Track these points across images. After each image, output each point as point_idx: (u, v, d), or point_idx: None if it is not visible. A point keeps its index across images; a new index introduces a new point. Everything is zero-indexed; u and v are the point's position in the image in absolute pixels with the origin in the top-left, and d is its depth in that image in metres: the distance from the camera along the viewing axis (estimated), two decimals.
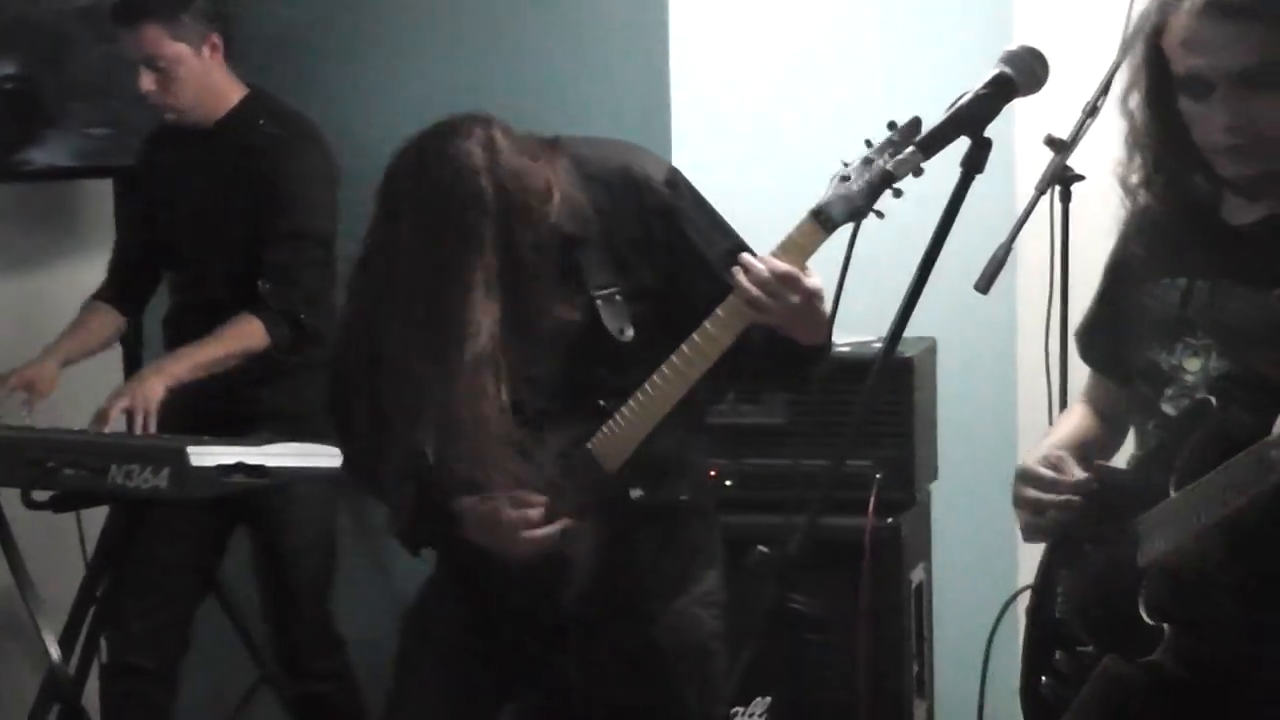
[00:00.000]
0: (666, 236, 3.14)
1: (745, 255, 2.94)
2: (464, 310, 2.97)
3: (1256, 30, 2.38)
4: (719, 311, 2.98)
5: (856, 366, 3.38)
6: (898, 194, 2.76)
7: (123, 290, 4.76)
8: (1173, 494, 2.43)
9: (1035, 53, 2.36)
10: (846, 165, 2.69)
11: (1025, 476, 2.71)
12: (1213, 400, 2.48)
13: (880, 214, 2.77)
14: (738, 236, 3.20)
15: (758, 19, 4.87)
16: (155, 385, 4.34)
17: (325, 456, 3.84)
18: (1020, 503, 2.70)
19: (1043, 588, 2.73)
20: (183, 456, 4.00)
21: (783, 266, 2.89)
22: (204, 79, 4.51)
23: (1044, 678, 2.66)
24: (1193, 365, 2.56)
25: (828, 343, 3.05)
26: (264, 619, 4.68)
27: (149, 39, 4.43)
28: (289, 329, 4.44)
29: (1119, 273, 2.76)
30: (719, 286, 3.07)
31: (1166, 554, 2.41)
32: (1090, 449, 2.79)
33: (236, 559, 4.71)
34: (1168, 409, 2.58)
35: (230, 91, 4.59)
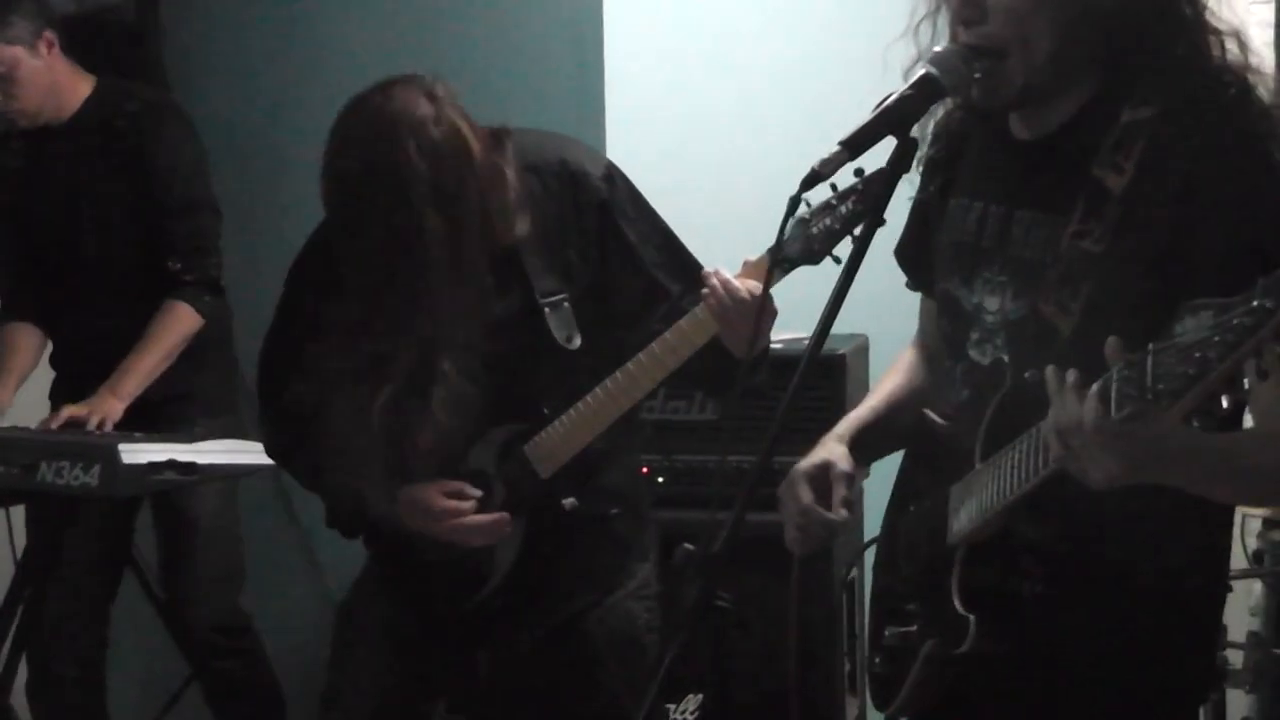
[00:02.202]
0: (600, 231, 3.15)
1: (720, 270, 2.98)
2: (421, 295, 2.97)
3: None
4: (682, 324, 3.03)
5: (788, 363, 3.38)
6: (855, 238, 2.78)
7: (26, 303, 4.72)
8: (978, 465, 2.37)
9: (963, 53, 2.35)
10: (808, 207, 2.71)
11: (789, 485, 2.66)
12: (1005, 360, 2.42)
13: (838, 259, 2.79)
14: (674, 236, 3.21)
15: (692, 17, 4.89)
16: (115, 405, 4.37)
17: (256, 453, 3.83)
18: (782, 511, 2.67)
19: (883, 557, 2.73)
20: (113, 453, 3.98)
21: (757, 286, 2.94)
22: (46, 77, 4.51)
23: (876, 658, 2.64)
24: (992, 305, 2.47)
25: (757, 353, 3.09)
26: (164, 590, 4.67)
27: None
28: (213, 297, 4.48)
29: (925, 179, 2.67)
30: (650, 284, 3.08)
31: (973, 531, 2.37)
32: (903, 413, 2.73)
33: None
34: (975, 355, 2.50)
35: (79, 85, 4.58)
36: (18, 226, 4.69)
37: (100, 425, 4.32)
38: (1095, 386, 2.08)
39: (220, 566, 4.64)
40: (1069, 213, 2.34)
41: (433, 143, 2.92)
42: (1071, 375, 2.12)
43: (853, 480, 2.66)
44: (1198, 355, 1.93)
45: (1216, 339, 1.91)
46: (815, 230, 2.71)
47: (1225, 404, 1.96)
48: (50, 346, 4.73)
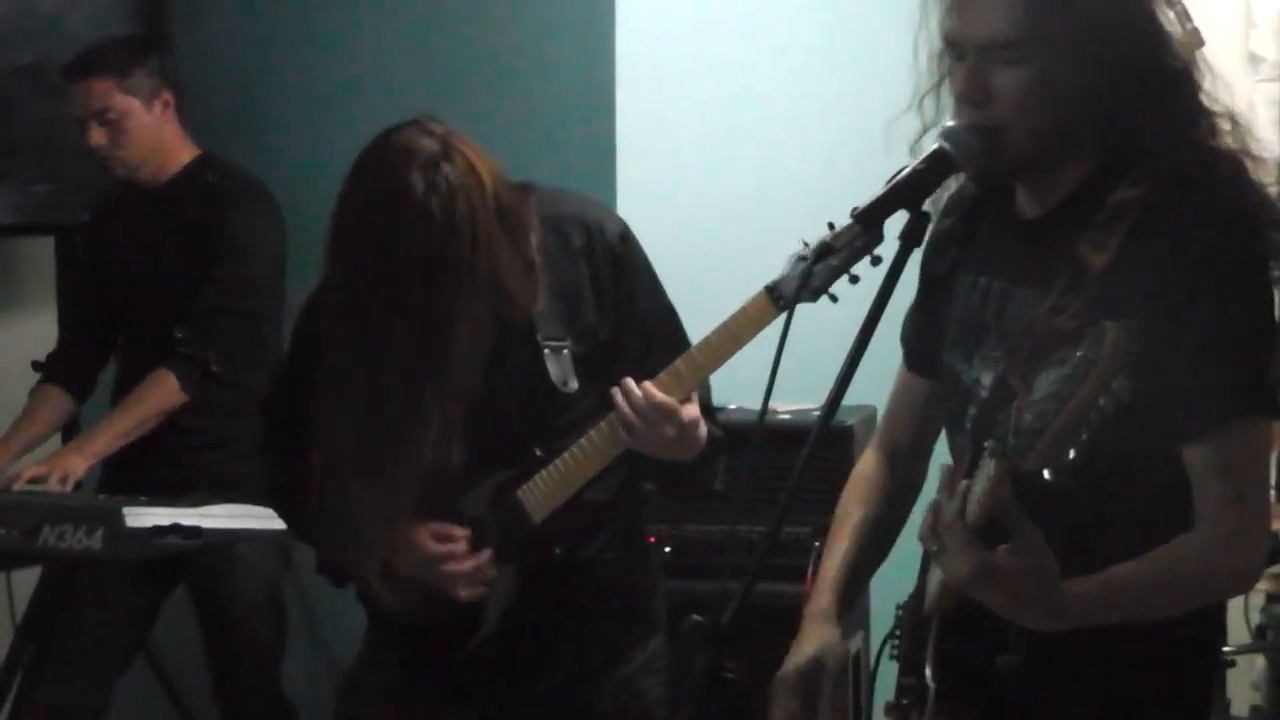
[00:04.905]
0: (613, 287, 3.16)
1: (627, 380, 2.99)
2: (443, 344, 2.96)
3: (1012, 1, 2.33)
4: (592, 433, 3.06)
5: (796, 434, 3.40)
6: (854, 280, 2.79)
7: (72, 364, 4.70)
8: None
9: (975, 129, 2.37)
10: (806, 246, 2.71)
11: (778, 689, 2.59)
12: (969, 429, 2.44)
13: (834, 298, 2.79)
14: (675, 311, 3.25)
15: (704, 64, 4.92)
16: (76, 462, 4.33)
17: (261, 518, 3.82)
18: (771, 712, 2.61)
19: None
20: (117, 517, 3.97)
21: (660, 397, 2.97)
22: (154, 134, 4.50)
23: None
24: (987, 380, 2.48)
25: (703, 456, 3.09)
26: (214, 691, 4.62)
27: (99, 92, 4.43)
28: (200, 380, 4.41)
29: (935, 254, 2.68)
30: (649, 346, 3.10)
31: (938, 600, 2.37)
32: (874, 547, 2.73)
33: (168, 621, 4.66)
34: (971, 428, 2.50)
35: (181, 151, 4.57)
36: (91, 286, 4.70)
37: (62, 482, 4.27)
38: (964, 484, 2.16)
39: (263, 640, 4.60)
40: (1050, 289, 2.35)
41: (445, 178, 2.92)
42: (944, 470, 2.20)
43: (845, 674, 2.62)
44: (1041, 410, 2.00)
45: (1055, 392, 1.99)
46: (815, 269, 2.72)
47: (1070, 455, 2.00)
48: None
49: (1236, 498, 2.29)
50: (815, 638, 2.64)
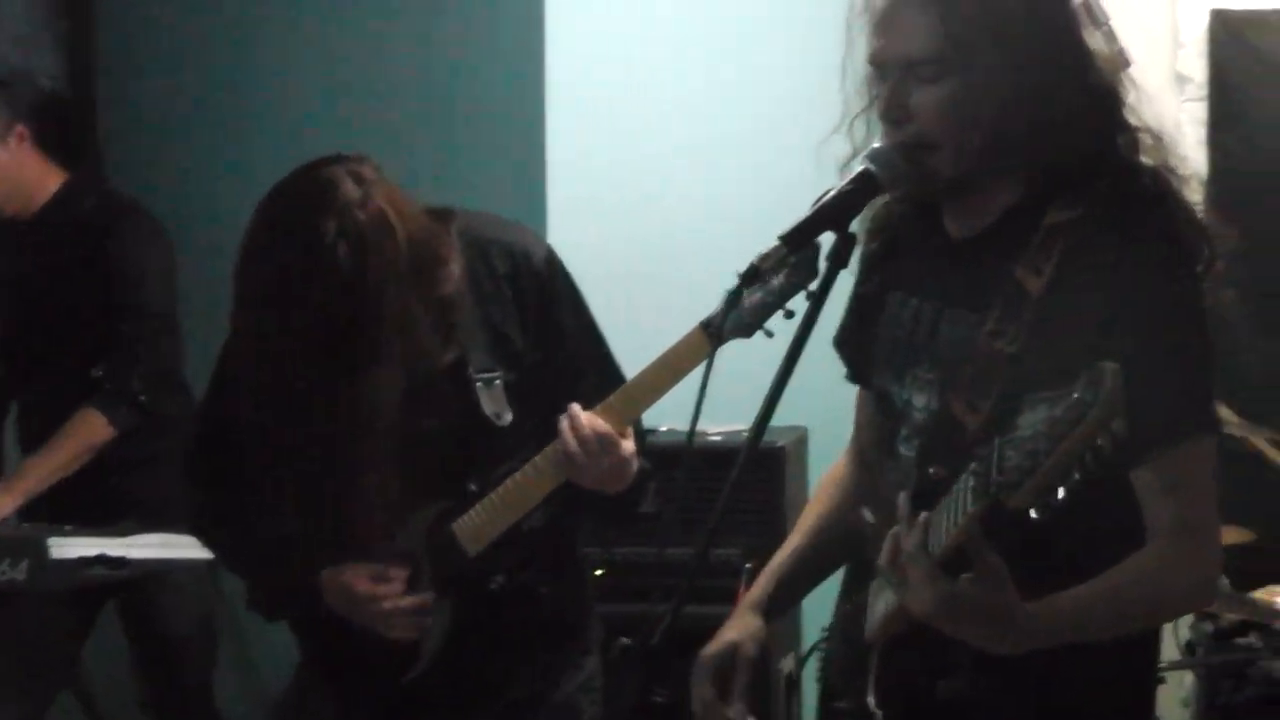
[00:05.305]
0: (540, 313, 3.14)
1: (574, 406, 2.98)
2: (358, 378, 2.93)
3: (931, 17, 2.34)
4: (529, 466, 3.03)
5: (727, 455, 3.39)
6: (789, 315, 2.79)
7: None
8: None
9: (900, 150, 2.38)
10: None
11: (695, 672, 2.62)
12: (912, 456, 2.44)
13: (770, 333, 2.79)
14: (603, 337, 3.24)
15: (634, 87, 4.93)
16: (5, 501, 4.28)
17: (190, 547, 3.79)
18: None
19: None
20: (41, 548, 3.94)
21: (604, 427, 2.95)
22: (14, 170, 4.43)
23: None
24: (919, 402, 2.48)
25: (635, 489, 3.09)
26: (143, 712, 4.59)
27: None
28: (129, 411, 4.38)
29: (865, 274, 2.68)
30: (578, 372, 3.09)
31: (882, 627, 2.37)
32: (830, 545, 2.74)
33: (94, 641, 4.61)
34: (903, 451, 2.51)
35: (46, 179, 4.50)
36: None
37: None
38: (924, 516, 2.16)
39: (197, 660, 4.57)
40: (989, 312, 2.36)
41: (357, 226, 2.88)
42: (903, 501, 2.19)
43: (759, 664, 2.64)
44: (1029, 449, 1.98)
45: (1045, 431, 1.97)
46: (747, 304, 2.72)
47: (1060, 495, 1.99)
48: None
49: (1187, 517, 2.30)
50: (736, 625, 2.67)
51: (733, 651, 2.64)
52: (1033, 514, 2.02)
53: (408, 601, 3.07)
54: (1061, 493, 1.99)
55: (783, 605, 2.75)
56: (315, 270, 2.84)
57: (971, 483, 2.08)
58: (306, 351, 2.89)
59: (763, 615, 2.71)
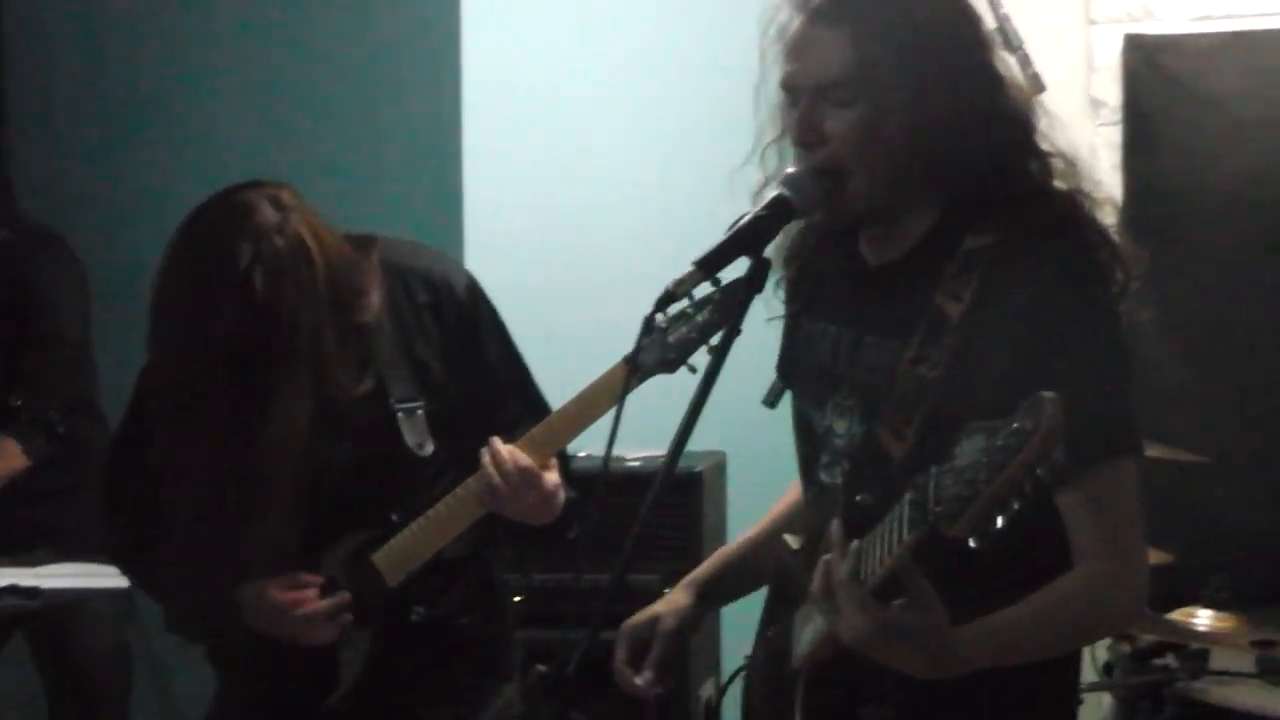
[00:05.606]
0: (462, 342, 3.14)
1: (495, 440, 2.97)
2: (271, 405, 2.92)
3: (842, 41, 2.36)
4: (450, 497, 3.03)
5: (646, 480, 3.38)
6: (711, 350, 2.78)
7: None
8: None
9: (812, 174, 2.38)
10: (665, 316, 2.71)
11: (617, 643, 2.67)
12: (837, 483, 2.45)
13: (693, 369, 2.79)
14: (526, 365, 3.25)
15: (551, 116, 4.93)
16: None
17: (104, 576, 3.76)
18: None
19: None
20: None
21: (526, 461, 2.95)
22: None
23: None
24: (840, 428, 2.49)
25: (559, 521, 3.09)
26: None
27: None
28: (46, 441, 4.34)
29: (787, 300, 2.70)
30: (501, 400, 3.08)
31: (809, 655, 2.37)
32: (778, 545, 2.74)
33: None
34: (824, 478, 2.52)
35: None
36: None
37: None
38: (856, 544, 2.16)
39: (104, 703, 4.53)
40: (910, 339, 2.36)
41: (274, 250, 2.87)
42: (835, 529, 2.19)
43: (677, 638, 2.66)
44: (969, 478, 1.98)
45: (985, 461, 1.97)
46: (671, 339, 2.72)
47: (1000, 522, 1.99)
48: None
49: (1113, 537, 2.32)
50: (666, 600, 2.71)
51: (653, 624, 2.67)
52: (971, 543, 2.02)
53: (324, 604, 3.05)
54: (1000, 521, 1.99)
55: (725, 590, 2.77)
56: (229, 294, 2.84)
57: (908, 512, 2.08)
58: (219, 375, 2.88)
59: (696, 593, 2.74)
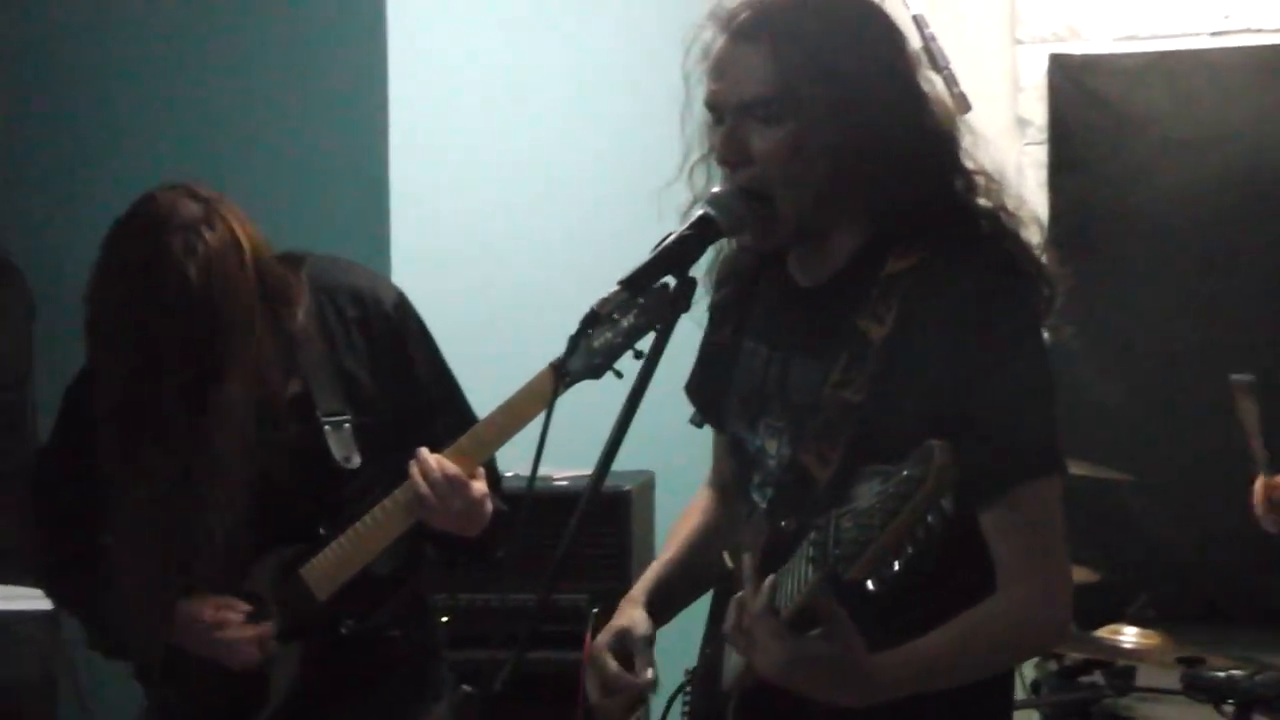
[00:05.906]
0: (390, 357, 3.14)
1: (422, 450, 2.98)
2: (215, 398, 2.92)
3: (764, 59, 2.36)
4: (378, 509, 3.03)
5: (573, 499, 3.38)
6: (638, 355, 2.78)
7: None
8: None
9: (738, 194, 2.38)
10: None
11: (593, 663, 2.63)
12: (762, 506, 2.45)
13: (619, 374, 2.78)
14: (455, 381, 3.24)
15: (478, 128, 4.93)
16: None
17: (26, 599, 3.73)
18: (588, 688, 2.65)
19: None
20: None
21: (454, 469, 2.96)
22: None
23: None
24: (772, 449, 2.49)
25: (489, 534, 3.09)
26: None
27: None
28: None
29: (717, 321, 2.69)
30: (430, 414, 3.08)
31: (736, 678, 2.37)
32: (701, 556, 2.73)
33: None
34: (756, 498, 2.51)
35: None
36: None
37: None
38: (771, 578, 2.16)
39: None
40: (835, 362, 2.36)
41: (203, 240, 2.88)
42: (748, 561, 2.20)
43: (651, 642, 2.63)
44: (864, 523, 2.00)
45: (878, 506, 1.99)
46: (597, 344, 2.72)
47: (896, 566, 2.00)
48: None
49: (1037, 557, 2.32)
50: (622, 616, 2.67)
51: (624, 634, 2.63)
52: (869, 585, 2.03)
53: (251, 630, 3.04)
54: (896, 565, 2.00)
55: (661, 609, 2.72)
56: (164, 289, 2.86)
57: (811, 552, 2.08)
58: (162, 372, 2.88)
59: (644, 608, 2.69)
